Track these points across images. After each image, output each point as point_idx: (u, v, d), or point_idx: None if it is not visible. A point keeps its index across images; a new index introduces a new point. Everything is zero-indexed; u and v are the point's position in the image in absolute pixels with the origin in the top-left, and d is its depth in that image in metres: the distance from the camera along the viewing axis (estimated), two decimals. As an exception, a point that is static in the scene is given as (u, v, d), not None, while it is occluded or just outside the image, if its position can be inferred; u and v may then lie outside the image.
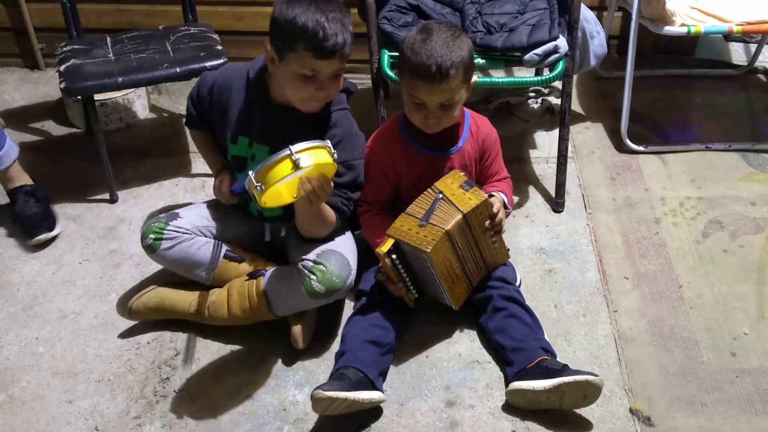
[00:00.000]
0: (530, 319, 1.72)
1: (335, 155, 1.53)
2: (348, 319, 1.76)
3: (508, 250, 1.82)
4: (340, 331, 1.81)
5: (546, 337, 1.70)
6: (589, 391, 1.54)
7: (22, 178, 2.13)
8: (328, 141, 1.53)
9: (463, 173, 1.73)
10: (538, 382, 1.55)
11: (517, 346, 1.65)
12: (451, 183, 1.69)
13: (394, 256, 1.66)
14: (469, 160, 1.80)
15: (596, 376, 1.54)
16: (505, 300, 1.73)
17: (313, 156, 1.47)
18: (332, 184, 1.57)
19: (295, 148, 1.46)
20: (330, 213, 1.69)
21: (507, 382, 1.65)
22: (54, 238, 2.09)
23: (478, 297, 1.77)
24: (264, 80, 1.69)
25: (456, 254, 1.67)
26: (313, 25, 1.53)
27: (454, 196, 1.66)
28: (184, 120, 1.88)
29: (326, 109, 1.70)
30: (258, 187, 1.46)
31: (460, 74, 1.60)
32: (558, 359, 1.64)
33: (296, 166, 1.45)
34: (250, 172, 1.47)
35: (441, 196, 1.66)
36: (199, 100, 1.81)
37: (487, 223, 1.70)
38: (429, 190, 1.69)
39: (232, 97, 1.74)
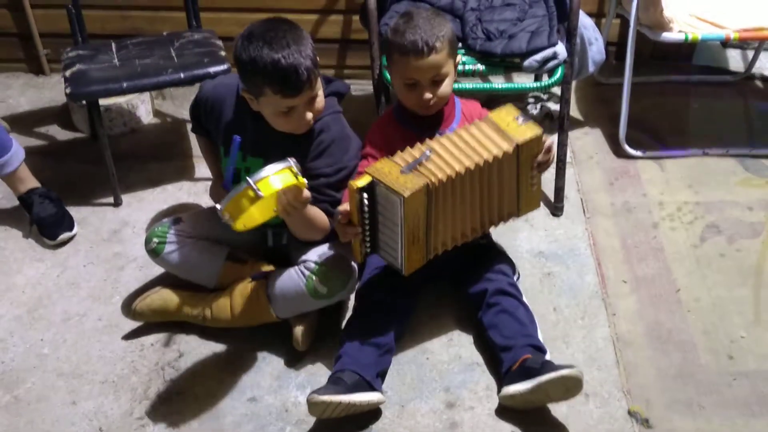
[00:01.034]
0: (523, 313, 1.72)
1: (298, 172, 1.51)
2: (346, 322, 1.78)
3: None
4: (341, 332, 1.83)
5: (539, 332, 1.71)
6: (570, 384, 1.55)
7: (32, 181, 2.16)
8: (291, 160, 1.51)
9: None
10: (520, 384, 1.58)
11: (506, 344, 1.67)
12: (506, 115, 1.67)
13: (365, 195, 1.59)
14: None
15: (572, 368, 1.54)
16: (498, 294, 1.74)
17: (274, 182, 1.47)
18: (308, 194, 1.57)
19: (253, 179, 1.45)
20: (320, 217, 1.70)
21: (499, 384, 1.67)
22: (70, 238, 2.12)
23: (474, 290, 1.78)
24: None
25: (430, 215, 1.60)
26: (272, 69, 1.53)
27: (508, 126, 1.64)
28: (190, 126, 1.91)
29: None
30: (228, 219, 1.48)
31: (446, 46, 1.66)
32: (547, 355, 1.65)
33: (257, 196, 1.46)
34: (218, 206, 1.49)
35: (429, 153, 1.60)
36: (197, 110, 1.85)
37: (539, 157, 1.67)
38: (423, 146, 1.63)
39: (224, 112, 1.76)
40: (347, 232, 1.65)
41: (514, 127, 1.64)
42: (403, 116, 1.79)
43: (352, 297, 1.83)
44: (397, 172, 1.57)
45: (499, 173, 1.64)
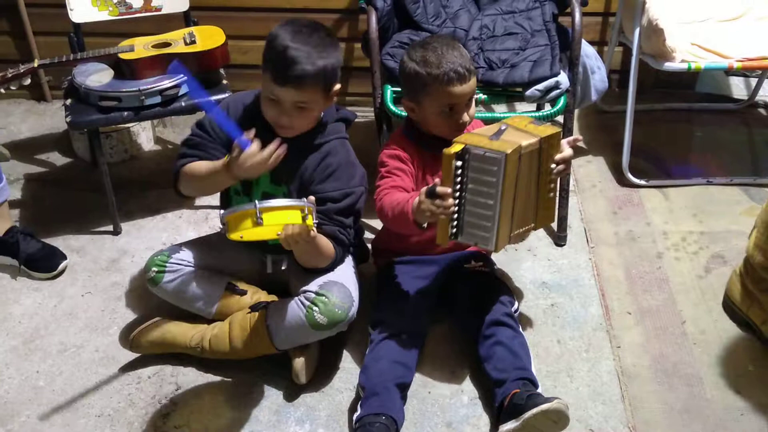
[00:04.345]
0: (518, 344, 1.70)
1: (309, 215, 1.50)
2: (370, 348, 1.73)
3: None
4: (341, 365, 1.81)
5: (532, 363, 1.69)
6: (554, 417, 1.53)
7: (9, 221, 2.10)
8: (305, 200, 1.51)
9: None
10: (511, 423, 1.56)
11: (499, 378, 1.65)
12: (520, 121, 1.67)
13: (459, 164, 1.54)
14: None
15: (552, 401, 1.52)
16: (493, 325, 1.72)
17: (278, 217, 1.48)
18: (314, 234, 1.57)
19: (261, 205, 1.46)
20: (326, 244, 1.69)
21: (494, 422, 1.65)
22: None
23: (471, 321, 1.76)
24: None
25: (516, 187, 1.58)
26: (280, 51, 1.56)
27: (526, 127, 1.63)
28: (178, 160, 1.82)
29: (322, 138, 1.72)
30: (223, 229, 1.50)
31: (474, 68, 1.74)
32: (540, 388, 1.63)
33: (258, 222, 1.46)
34: (221, 212, 1.51)
35: (505, 127, 1.62)
36: (209, 127, 1.77)
37: (558, 157, 1.65)
38: (495, 124, 1.66)
39: (239, 124, 1.75)
40: (439, 210, 1.55)
41: (532, 128, 1.65)
42: (415, 137, 1.80)
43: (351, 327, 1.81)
44: (487, 139, 1.57)
45: (523, 169, 1.60)
